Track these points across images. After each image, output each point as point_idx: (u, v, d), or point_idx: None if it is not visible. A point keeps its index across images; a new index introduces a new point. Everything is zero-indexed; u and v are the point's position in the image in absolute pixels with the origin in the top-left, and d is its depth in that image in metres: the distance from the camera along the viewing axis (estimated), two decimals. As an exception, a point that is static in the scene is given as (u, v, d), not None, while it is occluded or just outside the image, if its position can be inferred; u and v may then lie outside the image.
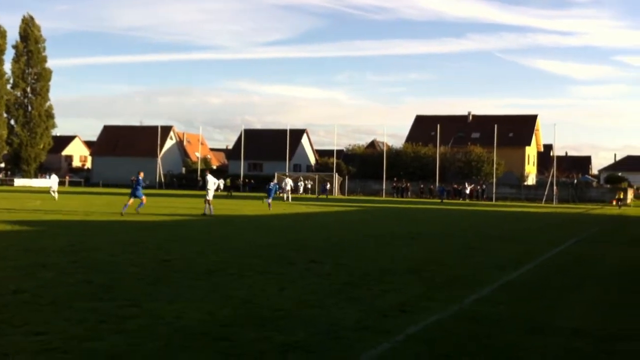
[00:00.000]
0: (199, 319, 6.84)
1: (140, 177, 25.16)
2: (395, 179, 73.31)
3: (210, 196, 25.80)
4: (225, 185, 57.41)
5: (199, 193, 52.41)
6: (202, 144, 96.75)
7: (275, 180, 48.34)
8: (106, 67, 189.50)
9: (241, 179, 77.62)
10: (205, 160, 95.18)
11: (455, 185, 70.21)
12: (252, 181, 77.70)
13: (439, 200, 60.84)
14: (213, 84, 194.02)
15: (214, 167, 47.08)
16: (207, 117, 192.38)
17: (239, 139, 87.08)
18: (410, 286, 9.51)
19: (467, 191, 67.14)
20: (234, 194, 61.40)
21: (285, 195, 47.30)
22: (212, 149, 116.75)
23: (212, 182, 26.27)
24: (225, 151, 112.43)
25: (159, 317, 6.85)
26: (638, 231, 22.88)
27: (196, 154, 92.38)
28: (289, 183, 48.51)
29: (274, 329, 6.50)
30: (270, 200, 32.98)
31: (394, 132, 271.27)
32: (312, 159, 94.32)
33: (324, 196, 62.95)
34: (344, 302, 8.10)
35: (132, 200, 24.74)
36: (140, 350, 5.56)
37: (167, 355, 5.48)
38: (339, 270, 11.00)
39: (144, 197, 25.10)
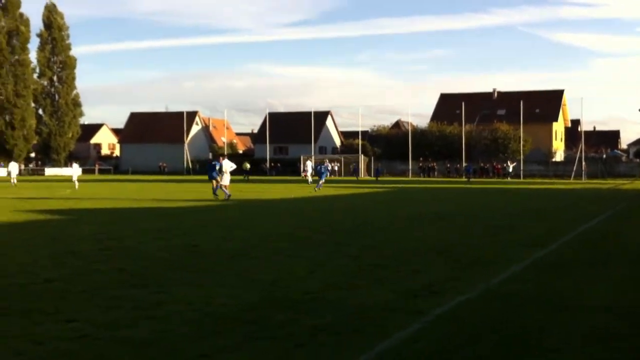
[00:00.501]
0: (228, 303, 6.92)
1: (220, 162, 26.45)
2: (421, 158, 72.96)
3: (226, 181, 25.98)
4: (243, 169, 57.24)
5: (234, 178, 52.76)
6: (227, 128, 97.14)
7: (326, 163, 47.95)
8: (129, 52, 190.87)
9: (267, 162, 77.90)
10: (231, 145, 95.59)
11: (482, 164, 69.70)
12: (279, 165, 77.99)
13: (466, 179, 60.48)
14: (235, 67, 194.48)
15: (225, 153, 47.49)
16: (230, 101, 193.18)
17: (264, 122, 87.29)
18: (438, 267, 9.51)
19: (510, 169, 66.35)
20: (258, 177, 61.60)
21: (308, 179, 47.58)
22: (237, 134, 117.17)
23: (229, 166, 26.37)
24: (251, 135, 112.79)
25: (189, 302, 6.94)
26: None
27: (222, 139, 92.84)
28: (309, 165, 48.94)
29: (303, 311, 6.55)
30: (322, 182, 34.33)
31: (418, 112, 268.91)
32: (337, 141, 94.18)
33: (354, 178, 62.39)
34: (372, 283, 8.13)
35: (214, 182, 26.22)
36: (171, 337, 5.65)
37: (198, 340, 5.57)
38: (367, 252, 11.03)
39: (216, 181, 26.25)
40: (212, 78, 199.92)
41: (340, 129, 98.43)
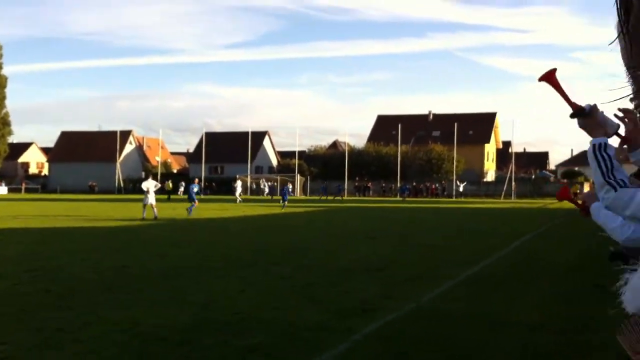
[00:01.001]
0: (157, 324, 6.79)
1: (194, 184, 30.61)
2: (357, 178, 73.71)
3: (152, 200, 25.88)
4: (166, 189, 56.05)
5: (158, 197, 51.85)
6: (162, 147, 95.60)
7: (288, 185, 48.96)
8: (64, 72, 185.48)
9: (202, 182, 77.09)
10: (165, 164, 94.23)
11: (415, 184, 71.02)
12: (213, 184, 77.25)
13: (401, 199, 61.38)
14: (173, 88, 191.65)
15: (150, 172, 46.41)
16: (167, 121, 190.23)
17: (200, 142, 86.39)
18: (370, 285, 9.59)
19: (461, 189, 67.77)
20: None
21: (237, 198, 47.97)
22: (172, 153, 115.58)
23: (152, 186, 26.29)
24: (186, 155, 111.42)
25: (116, 324, 6.77)
26: (592, 223, 23.42)
27: (156, 158, 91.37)
28: (239, 184, 50.20)
29: (234, 332, 6.49)
30: (286, 202, 37.30)
31: (356, 132, 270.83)
32: (274, 161, 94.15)
33: (331, 197, 62.04)
34: (304, 303, 8.13)
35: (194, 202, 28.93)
36: (98, 359, 5.50)
37: (124, 362, 5.43)
38: (300, 271, 11.02)
39: (196, 202, 29.28)
40: (148, 98, 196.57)
41: (278, 149, 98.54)
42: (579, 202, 3.65)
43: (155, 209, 25.75)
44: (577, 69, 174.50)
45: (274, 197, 60.29)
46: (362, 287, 9.41)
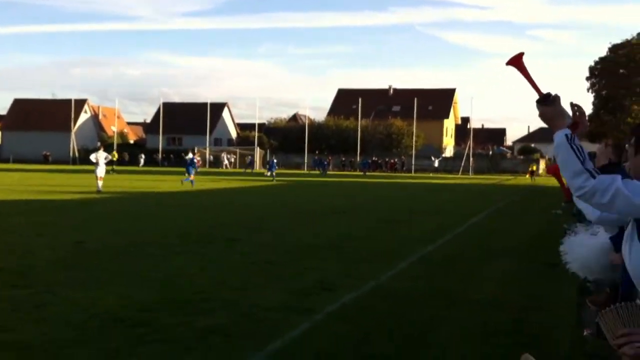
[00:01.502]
0: (115, 304, 6.71)
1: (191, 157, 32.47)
2: (317, 152, 73.72)
3: (101, 173, 25.55)
4: (110, 159, 54.02)
5: (115, 168, 51.12)
6: (118, 117, 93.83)
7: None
8: (15, 37, 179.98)
9: (160, 153, 76.18)
10: (122, 135, 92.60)
11: (376, 158, 71.42)
12: (172, 156, 76.37)
13: (362, 173, 61.68)
14: (130, 56, 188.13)
15: (101, 144, 44.51)
16: (123, 90, 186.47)
17: (158, 112, 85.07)
18: (331, 263, 9.64)
19: (436, 164, 68.55)
20: (149, 168, 60.00)
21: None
22: (129, 123, 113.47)
23: (103, 158, 25.97)
24: (143, 125, 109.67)
25: (74, 303, 6.67)
26: (547, 201, 23.96)
27: (112, 128, 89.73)
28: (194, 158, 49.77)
29: (195, 312, 6.45)
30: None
31: (316, 105, 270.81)
32: (234, 133, 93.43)
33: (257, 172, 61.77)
34: (265, 281, 8.13)
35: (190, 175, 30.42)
36: (56, 340, 5.41)
37: (83, 343, 5.36)
38: (260, 248, 11.00)
39: (192, 175, 30.66)
40: (104, 66, 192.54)
41: (237, 121, 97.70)
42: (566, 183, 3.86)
43: (99, 182, 25.29)
44: (535, 47, 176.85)
45: (253, 171, 59.80)
46: (322, 265, 9.45)
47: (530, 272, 9.52)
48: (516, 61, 2.54)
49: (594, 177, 2.31)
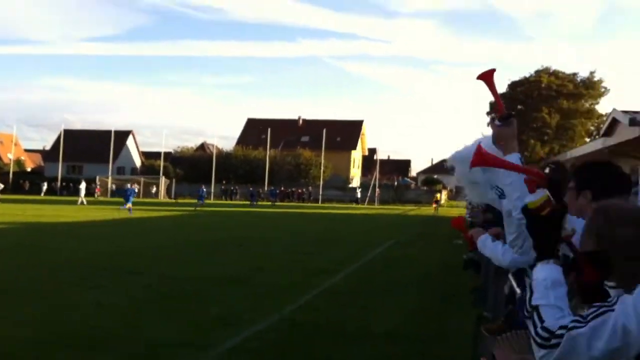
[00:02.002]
0: (6, 339, 6.31)
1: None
2: (224, 181, 73.06)
3: None
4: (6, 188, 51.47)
5: (10, 197, 48.72)
6: (15, 144, 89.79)
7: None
8: None
9: (59, 181, 73.33)
10: (19, 162, 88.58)
11: (283, 188, 71.58)
12: (71, 184, 73.62)
13: (270, 203, 61.53)
14: (29, 80, 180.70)
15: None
16: (22, 115, 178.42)
17: (58, 139, 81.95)
18: (234, 296, 9.49)
19: (358, 195, 69.09)
20: (48, 198, 57.44)
21: (79, 199, 46.22)
22: (27, 150, 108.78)
23: None
24: (42, 152, 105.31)
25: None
26: (449, 231, 24.69)
27: (9, 156, 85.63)
28: (83, 186, 48.70)
29: (88, 349, 6.17)
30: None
31: (225, 134, 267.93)
32: (138, 161, 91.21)
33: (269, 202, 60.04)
34: (164, 317, 7.89)
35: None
36: None
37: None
38: (160, 281, 10.71)
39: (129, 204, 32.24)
40: (2, 90, 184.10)
41: (142, 149, 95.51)
42: (469, 235, 4.08)
43: None
44: (439, 81, 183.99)
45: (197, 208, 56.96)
46: (225, 298, 9.29)
47: (432, 304, 9.71)
48: (487, 76, 2.54)
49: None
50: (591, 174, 2.84)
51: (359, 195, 70.00)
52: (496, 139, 2.49)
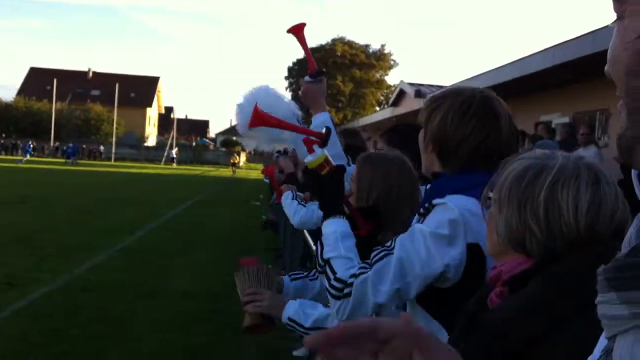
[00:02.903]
0: None
1: None
2: (3, 135, 67.08)
3: None
4: None
5: None
6: None
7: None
8: None
9: None
10: None
11: (71, 145, 67.15)
12: None
13: (69, 161, 54.75)
14: None
15: None
16: None
17: None
18: (20, 257, 8.88)
19: (174, 154, 65.29)
20: None
21: None
22: None
23: None
24: None
25: None
26: (247, 193, 25.09)
27: None
28: None
29: None
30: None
31: (3, 84, 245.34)
32: None
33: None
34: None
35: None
36: None
37: None
38: None
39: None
40: None
41: None
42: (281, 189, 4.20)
43: None
44: (235, 41, 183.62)
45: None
46: (10, 259, 8.66)
47: (226, 261, 9.85)
48: (297, 30, 2.43)
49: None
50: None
51: (174, 154, 67.18)
52: (305, 96, 2.44)
